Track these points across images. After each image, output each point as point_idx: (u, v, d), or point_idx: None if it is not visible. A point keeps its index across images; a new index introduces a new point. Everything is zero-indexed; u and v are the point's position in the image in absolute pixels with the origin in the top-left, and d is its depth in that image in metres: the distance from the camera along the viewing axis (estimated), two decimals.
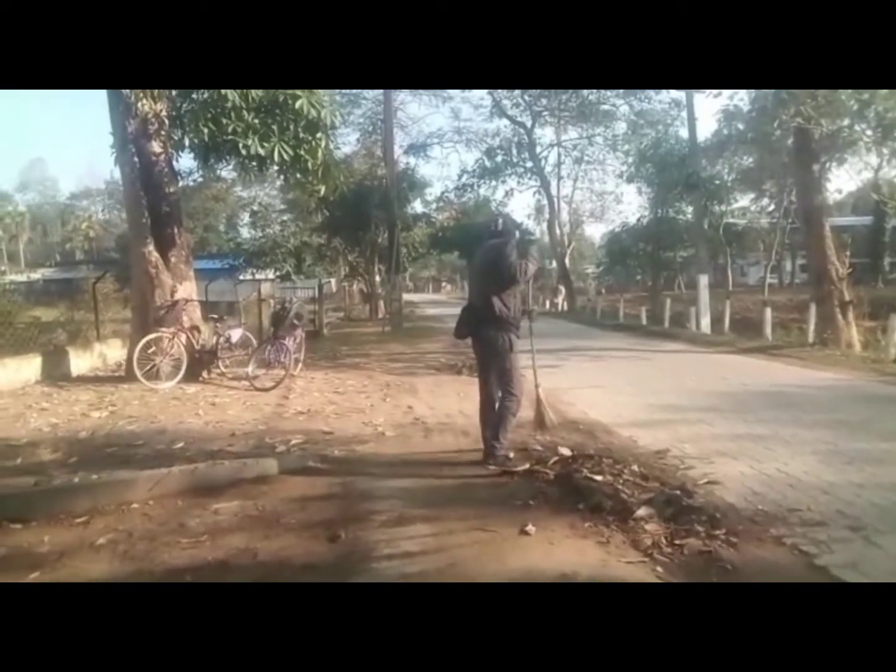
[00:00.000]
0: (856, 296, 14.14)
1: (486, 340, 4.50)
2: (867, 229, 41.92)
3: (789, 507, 3.58)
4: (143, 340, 8.11)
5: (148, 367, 8.09)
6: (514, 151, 30.78)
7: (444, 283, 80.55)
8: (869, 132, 13.54)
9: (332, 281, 37.22)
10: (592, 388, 7.78)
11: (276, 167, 8.78)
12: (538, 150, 31.79)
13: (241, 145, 7.90)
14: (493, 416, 4.54)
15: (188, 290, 9.01)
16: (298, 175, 9.18)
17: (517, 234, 4.66)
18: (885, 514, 3.47)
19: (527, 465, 4.34)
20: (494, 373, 4.55)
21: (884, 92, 11.46)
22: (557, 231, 34.88)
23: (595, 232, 59.77)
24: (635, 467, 4.25)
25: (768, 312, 14.69)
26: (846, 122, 13.36)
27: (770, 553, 3.04)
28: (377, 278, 27.51)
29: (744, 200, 38.78)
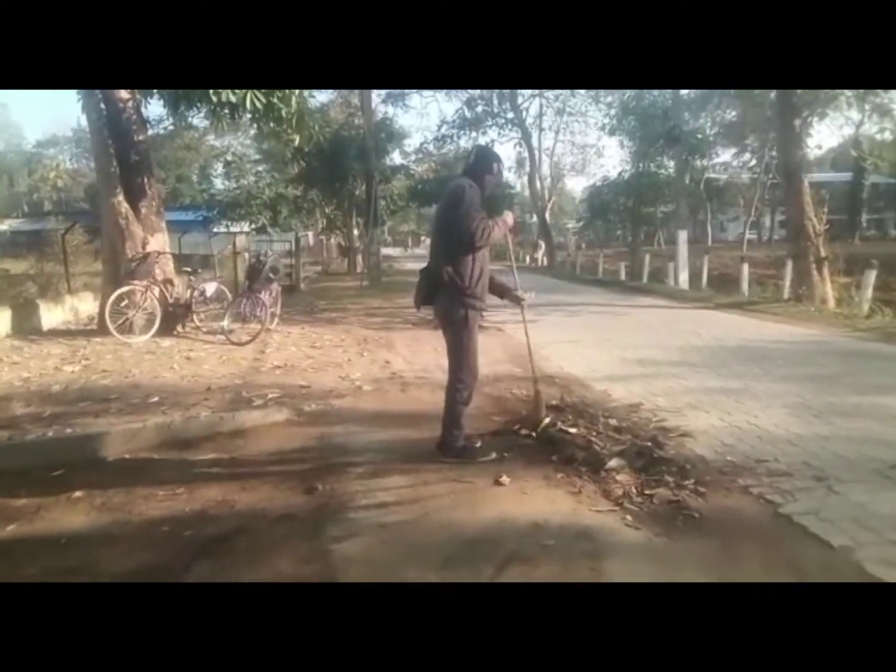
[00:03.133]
0: (832, 252, 14.26)
1: (440, 311, 3.73)
2: (846, 185, 42.18)
3: (757, 459, 3.67)
4: (115, 294, 7.98)
5: (121, 321, 7.99)
6: (495, 102, 30.38)
7: (423, 238, 79.94)
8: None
9: (310, 234, 36.72)
10: (569, 342, 7.84)
11: (248, 115, 8.53)
12: (519, 100, 31.41)
13: (211, 92, 7.64)
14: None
15: (160, 242, 8.83)
16: (272, 124, 8.92)
17: (496, 168, 3.73)
18: (848, 464, 3.57)
19: (493, 456, 3.71)
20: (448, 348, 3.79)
21: None
22: (538, 184, 34.65)
23: (576, 186, 59.70)
24: (610, 420, 4.32)
25: (745, 268, 14.80)
26: None
27: (736, 502, 3.13)
28: (355, 232, 27.21)
29: (725, 155, 38.89)
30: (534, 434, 4.06)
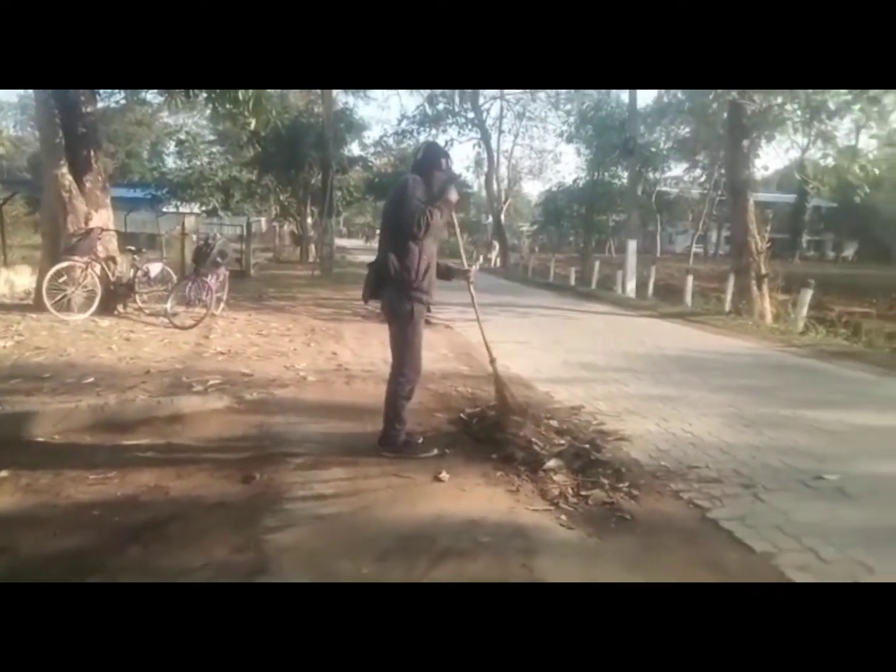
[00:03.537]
0: (772, 269, 14.73)
1: (386, 304, 3.71)
2: (789, 207, 43.81)
3: (689, 465, 3.79)
4: (54, 269, 7.69)
5: (58, 297, 7.72)
6: (457, 100, 30.45)
7: (378, 231, 79.51)
8: (798, 112, 13.97)
9: (262, 220, 36.11)
10: (516, 343, 7.92)
11: (203, 95, 8.32)
12: (481, 101, 31.53)
13: None
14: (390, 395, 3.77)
15: (104, 218, 8.54)
16: (228, 105, 8.73)
17: (444, 164, 3.70)
18: (775, 474, 3.72)
19: (434, 452, 3.74)
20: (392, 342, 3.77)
21: None
22: (495, 186, 34.82)
23: (532, 190, 60.36)
24: (551, 421, 4.38)
25: (690, 280, 15.22)
26: (779, 100, 13.72)
27: (667, 506, 3.22)
28: (309, 220, 26.88)
29: (677, 170, 39.88)
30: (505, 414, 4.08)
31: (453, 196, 3.68)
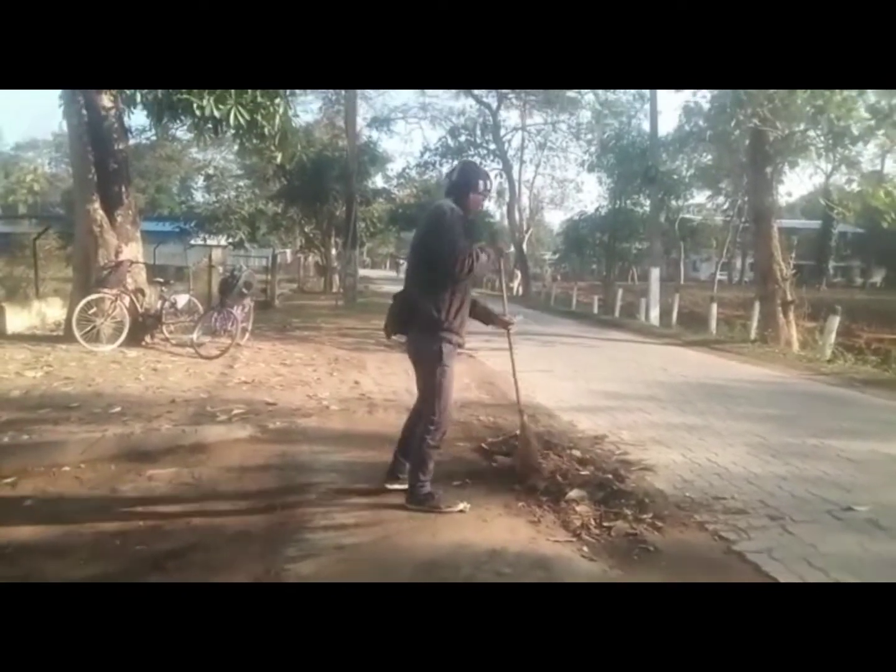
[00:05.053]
0: (798, 297, 14.59)
1: (412, 344, 3.41)
2: (815, 233, 43.35)
3: (715, 496, 3.73)
4: (84, 301, 7.87)
5: (88, 329, 7.87)
6: (479, 132, 30.80)
7: (401, 261, 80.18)
8: (821, 138, 13.91)
9: (288, 251, 36.70)
10: (539, 372, 7.88)
11: (231, 131, 8.54)
12: (502, 132, 31.81)
13: (195, 105, 7.63)
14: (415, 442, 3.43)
15: (134, 251, 8.74)
16: (255, 140, 8.96)
17: (482, 187, 3.37)
18: (803, 505, 3.64)
19: (460, 507, 3.33)
20: (420, 385, 3.46)
21: (837, 99, 11.77)
22: (517, 216, 35.01)
23: (554, 219, 60.48)
24: (574, 451, 4.35)
25: (714, 308, 15.10)
26: (801, 126, 13.70)
27: (692, 537, 3.17)
28: (333, 251, 27.25)
29: (700, 197, 39.52)
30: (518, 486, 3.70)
31: (507, 247, 3.47)
